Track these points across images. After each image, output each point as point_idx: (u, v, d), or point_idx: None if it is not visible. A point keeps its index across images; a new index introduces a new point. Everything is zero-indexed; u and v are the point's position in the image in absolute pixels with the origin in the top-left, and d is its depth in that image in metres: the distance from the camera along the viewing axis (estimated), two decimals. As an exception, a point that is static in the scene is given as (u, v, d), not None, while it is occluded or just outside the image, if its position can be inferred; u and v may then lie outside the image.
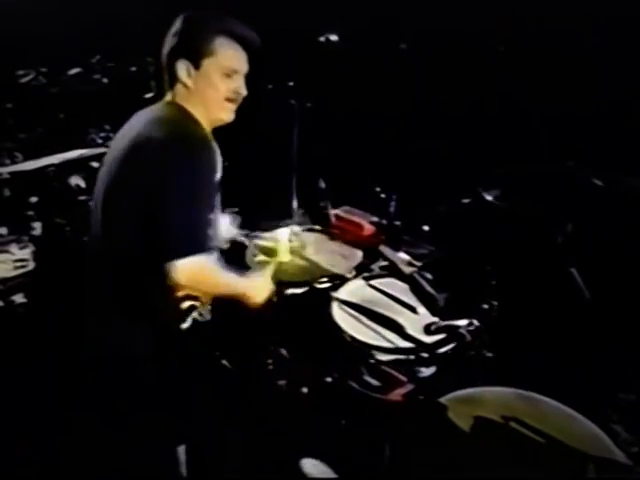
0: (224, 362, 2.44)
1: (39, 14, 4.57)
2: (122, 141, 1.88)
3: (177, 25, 1.89)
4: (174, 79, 1.89)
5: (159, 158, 1.73)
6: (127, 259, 1.80)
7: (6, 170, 3.53)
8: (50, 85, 4.22)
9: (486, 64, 3.08)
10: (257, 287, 2.02)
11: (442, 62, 3.24)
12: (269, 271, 2.15)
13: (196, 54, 1.85)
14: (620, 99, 2.66)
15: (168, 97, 1.93)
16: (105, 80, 4.08)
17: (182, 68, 1.86)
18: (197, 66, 1.86)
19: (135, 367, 1.84)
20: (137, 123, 1.89)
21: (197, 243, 1.73)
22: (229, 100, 1.92)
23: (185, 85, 1.87)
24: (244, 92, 1.94)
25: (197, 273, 1.73)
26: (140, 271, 1.78)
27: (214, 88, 1.88)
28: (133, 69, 3.95)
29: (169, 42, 1.89)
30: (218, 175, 1.81)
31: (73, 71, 4.30)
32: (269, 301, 2.05)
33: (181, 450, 1.97)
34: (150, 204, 1.73)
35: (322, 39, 2.88)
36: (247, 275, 2.03)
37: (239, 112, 1.97)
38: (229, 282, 1.91)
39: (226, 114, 1.94)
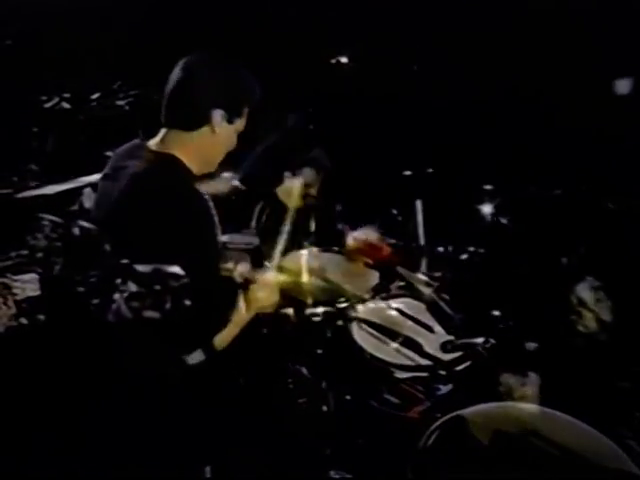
0: (242, 381, 2.47)
1: (63, 41, 4.69)
2: (109, 199, 1.90)
3: (232, 74, 1.98)
4: (204, 121, 1.92)
5: (163, 215, 1.74)
6: None
7: (28, 194, 3.61)
8: (74, 110, 4.31)
9: (500, 87, 3.14)
10: (255, 299, 1.97)
11: (455, 83, 3.29)
12: (268, 275, 2.05)
13: (237, 112, 1.97)
14: (634, 124, 2.72)
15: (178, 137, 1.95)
16: (127, 107, 4.18)
17: (219, 115, 1.92)
18: (231, 121, 1.96)
19: (165, 389, 1.85)
20: (127, 175, 1.88)
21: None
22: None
23: (213, 130, 1.93)
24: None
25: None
26: None
27: (231, 142, 2.03)
28: (155, 97, 4.01)
29: (216, 87, 1.93)
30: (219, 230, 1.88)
31: (95, 96, 4.40)
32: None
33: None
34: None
35: (333, 61, 2.95)
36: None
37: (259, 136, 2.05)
38: (232, 328, 1.92)
39: (215, 165, 2.08)
